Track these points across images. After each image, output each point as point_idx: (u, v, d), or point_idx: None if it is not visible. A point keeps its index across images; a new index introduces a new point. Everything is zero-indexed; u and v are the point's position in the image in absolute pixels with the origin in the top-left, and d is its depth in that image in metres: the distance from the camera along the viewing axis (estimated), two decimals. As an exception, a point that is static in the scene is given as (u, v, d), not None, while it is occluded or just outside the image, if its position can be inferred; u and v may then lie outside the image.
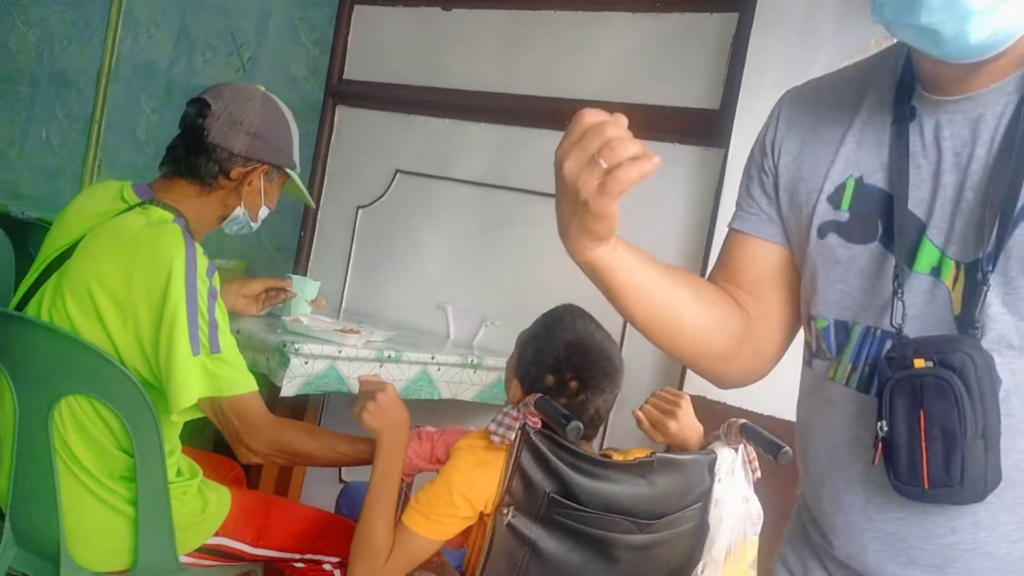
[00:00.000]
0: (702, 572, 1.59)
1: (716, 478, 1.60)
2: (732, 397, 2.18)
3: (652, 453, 1.55)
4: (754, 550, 1.66)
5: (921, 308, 0.97)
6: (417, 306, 2.87)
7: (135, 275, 1.60)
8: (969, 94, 0.95)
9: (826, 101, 1.10)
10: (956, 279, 0.95)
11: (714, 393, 2.13)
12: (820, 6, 2.15)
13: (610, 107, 2.78)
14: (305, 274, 3.06)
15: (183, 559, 1.72)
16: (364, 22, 3.16)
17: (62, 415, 1.64)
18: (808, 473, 1.12)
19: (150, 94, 4.09)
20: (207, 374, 1.59)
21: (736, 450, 1.62)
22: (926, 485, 0.91)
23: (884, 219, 1.00)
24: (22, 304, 1.70)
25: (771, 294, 1.15)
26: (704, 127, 2.37)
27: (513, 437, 1.45)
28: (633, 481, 1.50)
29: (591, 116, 0.90)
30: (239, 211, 1.86)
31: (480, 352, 2.56)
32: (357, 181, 3.09)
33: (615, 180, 0.88)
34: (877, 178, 1.01)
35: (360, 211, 3.05)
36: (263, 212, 1.92)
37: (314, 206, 2.10)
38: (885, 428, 0.93)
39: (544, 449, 1.46)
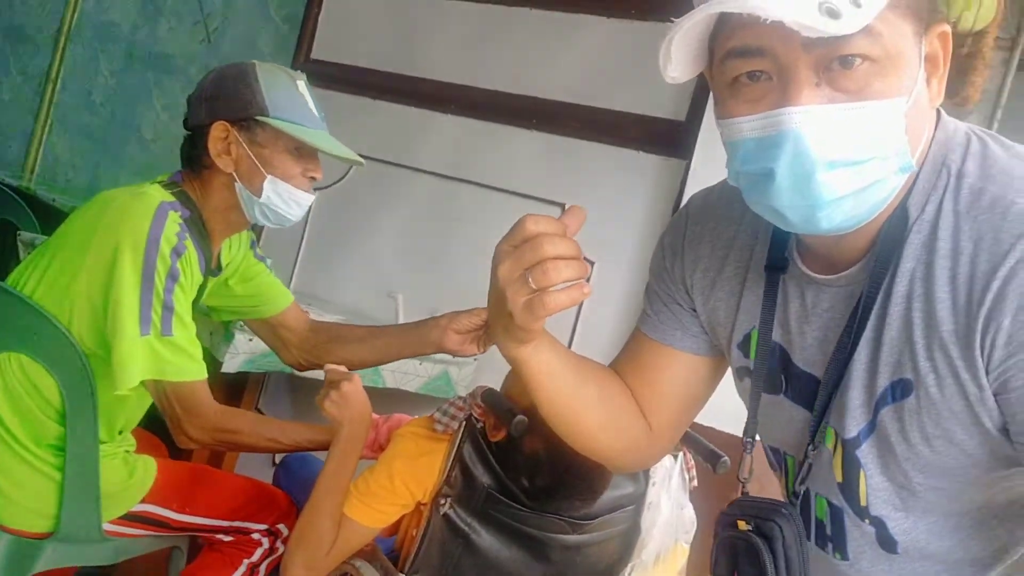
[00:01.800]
0: (631, 574, 1.60)
1: (651, 482, 1.61)
2: (674, 406, 2.20)
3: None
4: (684, 557, 1.68)
5: (817, 469, 1.01)
6: (367, 292, 2.85)
7: (94, 239, 1.55)
8: (840, 273, 0.95)
9: (724, 237, 1.08)
10: (836, 446, 0.98)
11: (657, 401, 2.15)
12: (791, 28, 2.18)
13: (577, 110, 2.81)
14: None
15: (107, 526, 1.69)
16: (337, 3, 3.13)
17: (-9, 378, 1.60)
18: None
19: (110, 56, 4.00)
20: (153, 355, 1.54)
21: (675, 457, 1.64)
22: None
23: (784, 373, 1.03)
24: None
25: (674, 399, 1.17)
26: (669, 137, 2.39)
27: (457, 427, 1.44)
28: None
29: (533, 225, 0.88)
30: (238, 187, 1.67)
31: (427, 343, 2.54)
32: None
33: (542, 304, 0.87)
34: (776, 332, 1.03)
35: (316, 193, 3.01)
36: (271, 185, 1.66)
37: (360, 162, 1.79)
38: None
39: (486, 445, 1.46)
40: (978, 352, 0.83)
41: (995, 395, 0.84)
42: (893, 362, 0.90)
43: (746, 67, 0.82)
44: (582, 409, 1.10)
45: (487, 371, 2.54)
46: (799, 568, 0.94)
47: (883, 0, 0.77)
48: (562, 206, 2.56)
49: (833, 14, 0.74)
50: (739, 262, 1.07)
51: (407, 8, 2.97)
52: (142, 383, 1.55)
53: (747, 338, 1.07)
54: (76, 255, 1.57)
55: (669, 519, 1.62)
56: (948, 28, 0.85)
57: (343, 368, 1.65)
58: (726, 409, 2.10)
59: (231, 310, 1.95)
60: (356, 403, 1.57)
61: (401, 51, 2.95)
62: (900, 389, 0.90)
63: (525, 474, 1.43)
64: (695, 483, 1.67)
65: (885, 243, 0.89)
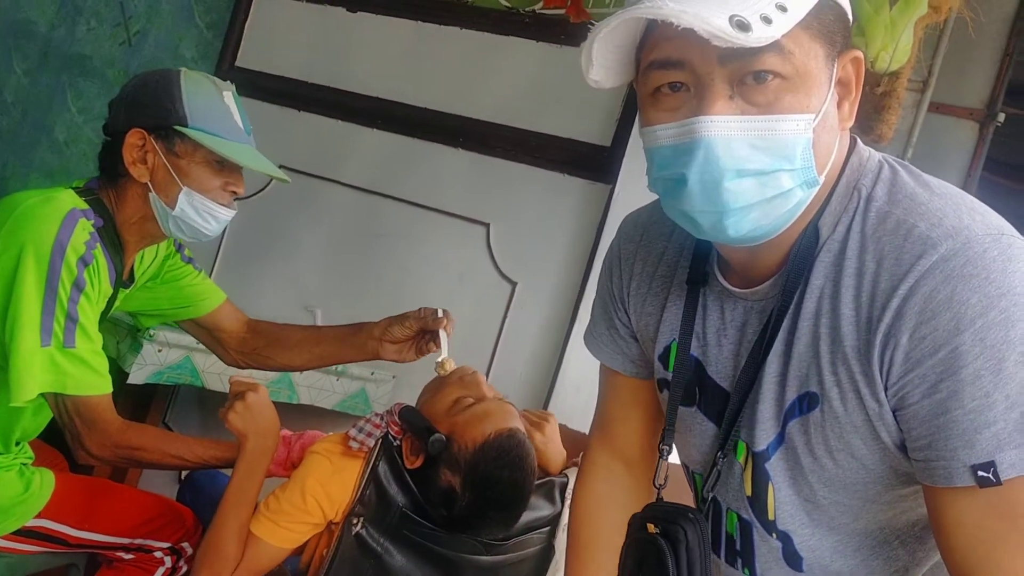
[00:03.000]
0: (545, 597, 1.59)
1: (567, 503, 1.61)
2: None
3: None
4: (598, 580, 1.67)
5: (726, 479, 1.05)
6: (285, 306, 2.80)
7: None
8: (756, 288, 0.99)
9: (654, 252, 1.12)
10: (747, 460, 1.01)
11: (575, 423, 2.16)
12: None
13: (504, 131, 2.83)
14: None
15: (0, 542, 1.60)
16: (264, 11, 3.09)
17: None
18: None
19: (24, 55, 3.86)
20: (53, 367, 1.47)
21: (592, 479, 1.64)
22: None
23: (699, 385, 1.06)
24: None
25: (638, 427, 1.23)
26: (594, 162, 2.42)
27: (373, 445, 1.42)
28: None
29: None
30: (152, 197, 1.61)
31: (345, 360, 2.50)
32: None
33: None
34: (694, 345, 1.06)
35: (236, 203, 2.95)
36: (187, 197, 1.60)
37: (286, 179, 1.75)
38: None
39: (402, 463, 1.43)
40: (876, 368, 0.87)
41: (894, 411, 0.88)
42: (801, 376, 0.94)
43: (666, 78, 0.87)
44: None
45: (405, 388, 2.52)
46: (701, 571, 0.97)
47: (794, 19, 0.81)
48: (487, 226, 2.56)
49: (743, 27, 0.78)
50: (665, 276, 1.10)
51: (337, 21, 2.94)
52: (41, 395, 1.48)
53: (667, 350, 1.09)
54: None
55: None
56: (861, 55, 0.89)
57: (249, 379, 1.61)
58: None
59: (156, 313, 1.88)
60: (262, 415, 1.53)
61: (329, 63, 2.92)
62: (807, 402, 0.93)
63: (442, 505, 1.42)
64: (610, 505, 1.67)
65: (796, 260, 0.93)
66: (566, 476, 1.62)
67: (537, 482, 1.54)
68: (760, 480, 1.00)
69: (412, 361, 1.79)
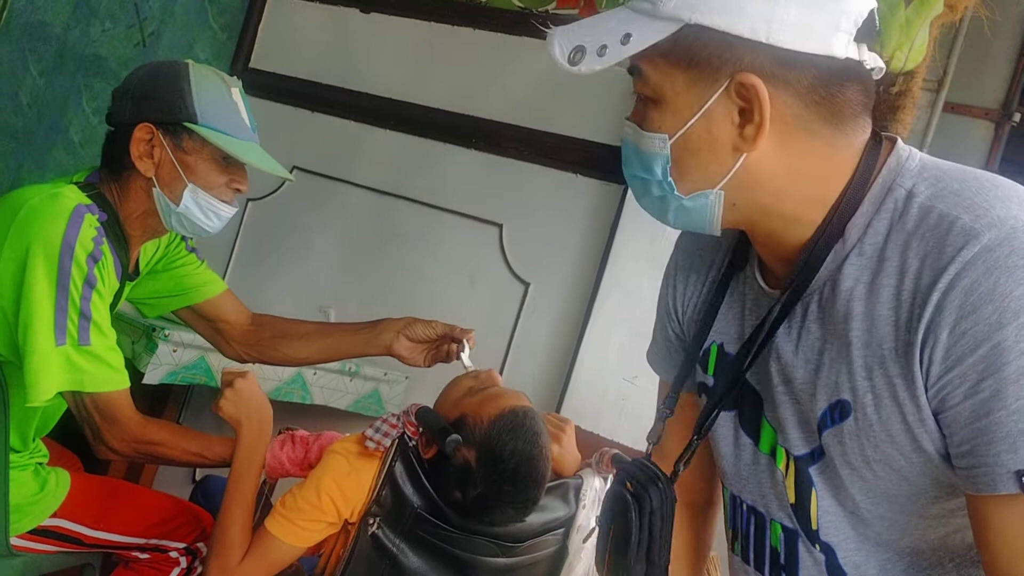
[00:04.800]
0: (559, 598, 1.59)
1: (581, 504, 1.61)
2: (606, 430, 2.21)
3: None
4: (612, 581, 1.67)
5: (769, 488, 1.03)
6: (299, 307, 2.80)
7: (5, 244, 1.47)
8: (776, 288, 0.99)
9: (704, 257, 1.13)
10: (788, 466, 0.99)
11: (588, 424, 2.16)
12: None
13: (517, 131, 2.83)
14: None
15: (15, 541, 1.61)
16: (277, 13, 3.10)
17: None
18: None
19: (39, 56, 3.88)
20: (70, 366, 1.47)
21: (606, 480, 1.64)
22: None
23: (740, 389, 1.04)
24: None
25: (685, 440, 1.18)
26: (607, 162, 2.41)
27: (389, 445, 1.42)
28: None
29: None
30: (156, 192, 1.60)
31: (359, 360, 2.51)
32: (251, 173, 2.99)
33: None
34: (733, 348, 1.05)
35: (250, 203, 2.96)
36: (192, 194, 1.60)
37: (290, 177, 1.74)
38: (594, 526, 1.10)
39: (417, 463, 1.43)
40: (918, 368, 0.84)
41: (935, 415, 0.85)
42: (831, 383, 0.91)
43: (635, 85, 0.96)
44: None
45: (418, 390, 2.52)
46: (660, 533, 1.00)
47: (631, 50, 0.89)
48: (499, 226, 2.56)
49: (573, 62, 0.90)
50: (715, 280, 1.10)
51: (349, 22, 2.95)
52: (59, 394, 1.49)
53: (707, 352, 1.08)
54: None
55: (597, 541, 1.62)
56: (755, 82, 0.87)
57: (238, 368, 1.61)
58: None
59: (157, 301, 1.88)
60: (252, 400, 1.55)
61: (342, 65, 2.93)
62: (839, 411, 0.91)
63: (457, 486, 1.41)
64: (624, 506, 1.67)
65: (811, 259, 0.93)
66: (580, 478, 1.62)
67: (552, 484, 1.53)
68: (803, 485, 0.97)
69: (420, 367, 1.79)
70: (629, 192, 2.31)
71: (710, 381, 1.08)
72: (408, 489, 1.43)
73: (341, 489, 1.42)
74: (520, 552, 1.52)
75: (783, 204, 0.92)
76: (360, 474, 1.43)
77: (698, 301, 1.12)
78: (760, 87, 0.86)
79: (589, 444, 1.74)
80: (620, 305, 2.29)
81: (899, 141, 0.95)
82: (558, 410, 2.28)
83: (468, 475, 1.40)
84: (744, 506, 1.07)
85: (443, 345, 1.76)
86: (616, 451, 1.64)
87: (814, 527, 0.98)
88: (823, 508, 0.96)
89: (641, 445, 2.09)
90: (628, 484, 1.03)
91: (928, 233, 0.85)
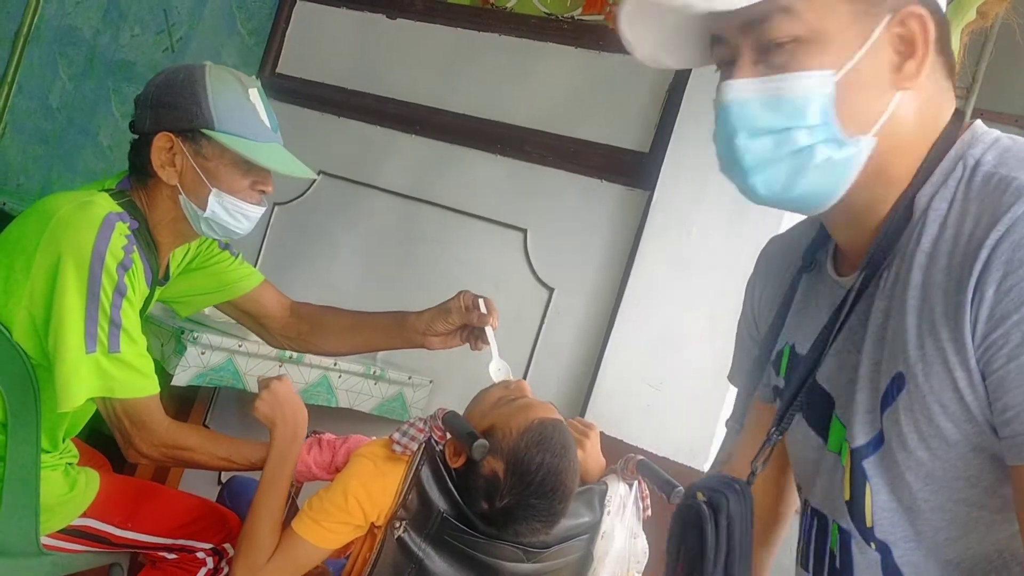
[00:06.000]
0: (583, 604, 1.58)
1: (606, 510, 1.60)
2: (631, 436, 2.21)
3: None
4: (636, 587, 1.67)
5: (830, 489, 0.99)
6: (324, 311, 2.82)
7: (37, 252, 1.49)
8: (852, 275, 0.96)
9: (783, 261, 1.11)
10: (848, 461, 0.95)
11: (612, 429, 2.15)
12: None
13: (542, 137, 2.83)
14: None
15: (45, 540, 1.63)
16: (305, 19, 3.12)
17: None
18: None
19: (70, 61, 3.93)
20: (100, 373, 1.49)
21: (630, 486, 1.63)
22: None
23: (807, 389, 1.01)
24: None
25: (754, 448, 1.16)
26: (632, 168, 2.41)
27: (416, 449, 1.42)
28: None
29: None
30: (182, 199, 1.61)
31: (383, 364, 2.52)
32: (277, 178, 3.01)
33: None
34: (805, 347, 1.02)
35: (276, 208, 2.99)
36: (217, 198, 1.60)
37: (313, 175, 1.74)
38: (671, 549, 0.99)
39: (444, 468, 1.44)
40: (967, 329, 0.81)
41: (984, 379, 0.81)
42: (892, 357, 0.88)
43: (718, 55, 0.93)
44: None
45: (442, 393, 2.53)
46: (740, 543, 0.93)
47: None
48: (524, 231, 2.56)
49: None
50: (790, 279, 1.08)
51: (376, 28, 2.97)
52: (90, 399, 1.51)
53: (779, 355, 1.06)
54: (20, 266, 1.51)
55: (622, 548, 1.61)
56: (923, 13, 0.86)
57: (278, 375, 1.63)
58: (682, 440, 2.11)
59: (192, 299, 1.90)
60: (287, 403, 1.56)
61: (368, 70, 2.94)
62: (896, 385, 0.88)
63: (484, 497, 1.41)
64: (649, 513, 1.66)
65: (883, 237, 0.90)
66: (605, 484, 1.61)
67: (577, 490, 1.54)
68: (858, 481, 0.93)
69: (458, 346, 1.80)
70: (654, 198, 2.31)
71: (782, 383, 1.06)
72: (434, 493, 1.43)
73: (368, 492, 1.43)
74: (545, 558, 1.52)
75: (900, 160, 0.90)
76: (387, 478, 1.43)
77: (773, 304, 1.10)
78: (928, 19, 0.86)
79: (614, 450, 1.74)
80: (645, 311, 2.29)
81: (979, 121, 0.93)
82: (582, 415, 2.28)
83: (495, 486, 1.40)
84: (810, 509, 1.03)
85: (467, 328, 1.76)
86: (641, 457, 1.64)
87: (869, 524, 0.93)
88: (878, 503, 0.92)
89: (665, 451, 2.10)
90: (700, 494, 0.96)
91: (987, 196, 0.83)
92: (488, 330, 1.70)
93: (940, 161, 0.90)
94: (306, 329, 1.91)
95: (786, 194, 0.90)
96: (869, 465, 0.92)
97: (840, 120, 0.87)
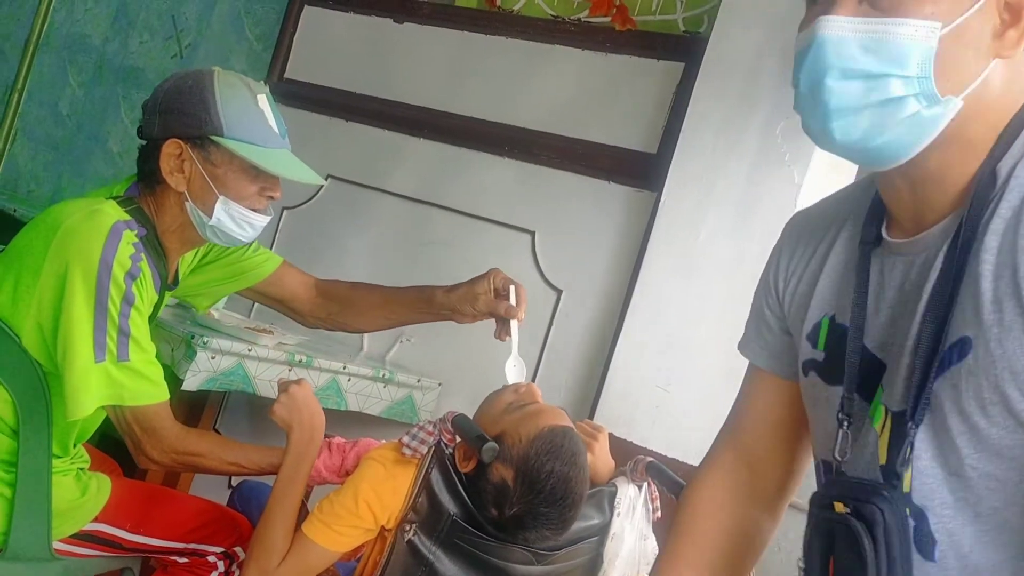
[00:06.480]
0: (593, 606, 1.58)
1: (615, 512, 1.60)
2: (639, 437, 2.20)
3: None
4: (646, 589, 1.67)
5: (860, 453, 0.96)
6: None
7: (46, 261, 1.50)
8: (917, 235, 0.94)
9: (816, 231, 1.10)
10: (884, 425, 0.93)
11: (621, 431, 2.15)
12: (763, 67, 2.22)
13: (549, 139, 2.82)
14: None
15: (57, 545, 1.64)
16: (312, 24, 3.13)
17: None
18: None
19: (79, 68, 3.96)
20: (110, 382, 1.50)
21: (640, 488, 1.63)
22: None
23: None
24: None
25: (772, 429, 1.17)
26: (640, 169, 2.41)
27: (425, 452, 1.43)
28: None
29: None
30: (189, 206, 1.62)
31: (392, 367, 2.53)
32: (286, 182, 3.02)
33: None
34: (846, 317, 1.01)
35: (285, 212, 2.99)
36: (223, 206, 1.60)
37: (321, 181, 1.77)
38: (802, 566, 0.93)
39: (454, 471, 1.44)
40: None
41: None
42: (958, 323, 0.87)
43: None
44: None
45: (451, 396, 2.53)
46: (900, 556, 0.86)
47: None
48: (532, 234, 2.57)
49: None
50: (822, 254, 1.06)
51: (383, 32, 2.97)
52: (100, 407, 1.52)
53: (817, 327, 1.04)
54: (28, 275, 1.51)
55: (632, 550, 1.61)
56: None
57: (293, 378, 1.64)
58: (692, 441, 2.10)
59: (210, 290, 1.91)
60: (305, 406, 1.57)
61: (376, 74, 2.95)
62: (958, 350, 0.86)
63: (494, 504, 1.42)
64: (659, 514, 1.66)
65: (975, 205, 0.87)
66: (615, 485, 1.61)
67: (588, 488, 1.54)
68: (898, 444, 0.90)
69: (486, 320, 1.81)
70: (662, 199, 2.31)
71: (820, 356, 1.03)
72: (444, 497, 1.43)
73: (378, 495, 1.43)
74: (555, 560, 1.52)
75: (980, 127, 0.88)
76: (397, 481, 1.44)
77: (802, 273, 1.08)
78: None
79: (623, 452, 1.74)
80: (653, 312, 2.29)
81: None
82: (591, 417, 2.27)
83: (505, 494, 1.40)
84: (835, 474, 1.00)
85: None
86: (651, 459, 1.64)
87: (906, 489, 0.90)
88: (919, 469, 0.89)
89: (674, 452, 2.10)
90: (839, 505, 0.90)
91: None
92: (513, 324, 1.70)
93: (1022, 132, 0.88)
94: (336, 309, 1.94)
95: (863, 143, 0.88)
96: (914, 430, 0.89)
97: (936, 76, 0.85)
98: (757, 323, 1.17)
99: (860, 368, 0.97)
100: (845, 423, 0.96)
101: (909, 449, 0.89)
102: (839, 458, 0.96)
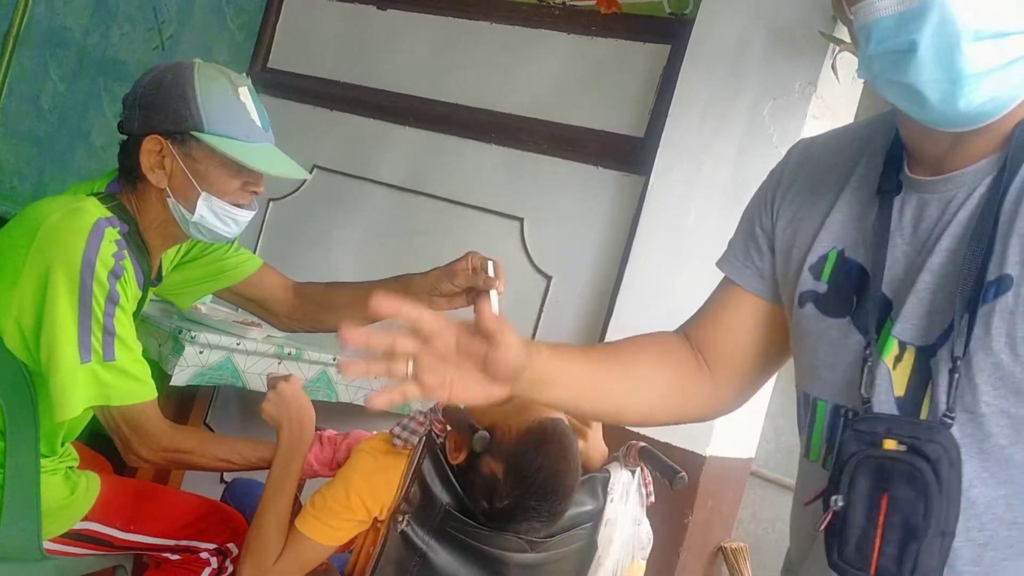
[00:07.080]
0: (588, 592, 1.58)
1: (609, 498, 1.60)
2: (632, 422, 2.20)
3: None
4: (640, 573, 1.67)
5: (866, 387, 0.95)
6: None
7: (27, 262, 1.48)
8: (947, 174, 0.93)
9: (825, 164, 1.08)
10: (898, 359, 0.93)
11: (614, 417, 2.14)
12: (749, 48, 2.21)
13: (536, 124, 2.81)
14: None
15: (48, 545, 1.62)
16: (295, 12, 3.11)
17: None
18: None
19: (60, 62, 3.91)
20: (96, 382, 1.48)
21: (633, 473, 1.63)
22: (872, 572, 0.87)
23: (859, 295, 0.99)
24: None
25: (737, 343, 1.15)
26: (627, 153, 2.40)
27: (416, 442, 1.42)
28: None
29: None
30: (171, 202, 1.58)
31: (383, 358, 2.51)
32: (270, 175, 3.01)
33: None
34: (858, 253, 1.00)
35: (271, 204, 2.97)
36: (206, 202, 1.57)
37: (305, 175, 1.71)
38: (840, 503, 0.89)
39: (445, 461, 1.43)
40: None
41: None
42: (996, 259, 0.86)
43: None
44: (616, 395, 1.12)
45: (443, 386, 2.52)
46: (957, 493, 0.85)
47: None
48: (520, 220, 2.55)
49: None
50: (835, 185, 1.05)
51: (367, 20, 2.95)
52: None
53: (822, 259, 1.03)
54: (8, 275, 1.49)
55: (626, 535, 1.61)
56: None
57: (282, 372, 1.63)
58: (683, 426, 2.10)
59: (191, 288, 1.89)
60: (294, 402, 1.56)
61: (360, 62, 2.93)
62: (995, 288, 0.86)
63: (484, 496, 1.41)
64: (652, 499, 1.66)
65: (1019, 142, 0.86)
66: (608, 471, 1.61)
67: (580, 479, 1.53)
68: (918, 377, 0.90)
69: (464, 307, 1.73)
70: (650, 183, 2.30)
71: (822, 288, 1.02)
72: (436, 487, 1.43)
73: (370, 487, 1.43)
74: (549, 547, 1.52)
75: None
76: (388, 472, 1.43)
77: (805, 200, 1.07)
78: None
79: (615, 437, 1.73)
80: (644, 296, 2.28)
81: None
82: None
83: (495, 487, 1.39)
84: (831, 407, 1.00)
85: (472, 291, 1.71)
86: (643, 444, 1.64)
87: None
88: (937, 400, 0.89)
89: (667, 438, 2.09)
90: (892, 441, 0.87)
91: None
92: (493, 295, 1.67)
93: None
94: (312, 309, 1.89)
95: (982, 108, 0.83)
96: (935, 363, 0.89)
97: None
98: (746, 242, 1.15)
99: (868, 307, 0.97)
100: (868, 362, 0.94)
101: (928, 381, 0.89)
102: (866, 395, 0.94)
